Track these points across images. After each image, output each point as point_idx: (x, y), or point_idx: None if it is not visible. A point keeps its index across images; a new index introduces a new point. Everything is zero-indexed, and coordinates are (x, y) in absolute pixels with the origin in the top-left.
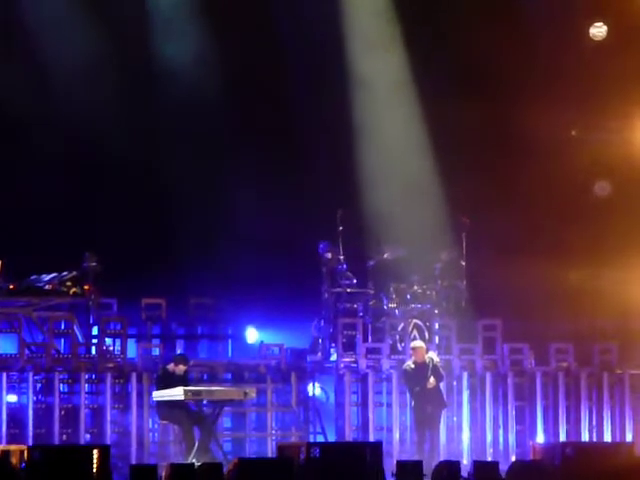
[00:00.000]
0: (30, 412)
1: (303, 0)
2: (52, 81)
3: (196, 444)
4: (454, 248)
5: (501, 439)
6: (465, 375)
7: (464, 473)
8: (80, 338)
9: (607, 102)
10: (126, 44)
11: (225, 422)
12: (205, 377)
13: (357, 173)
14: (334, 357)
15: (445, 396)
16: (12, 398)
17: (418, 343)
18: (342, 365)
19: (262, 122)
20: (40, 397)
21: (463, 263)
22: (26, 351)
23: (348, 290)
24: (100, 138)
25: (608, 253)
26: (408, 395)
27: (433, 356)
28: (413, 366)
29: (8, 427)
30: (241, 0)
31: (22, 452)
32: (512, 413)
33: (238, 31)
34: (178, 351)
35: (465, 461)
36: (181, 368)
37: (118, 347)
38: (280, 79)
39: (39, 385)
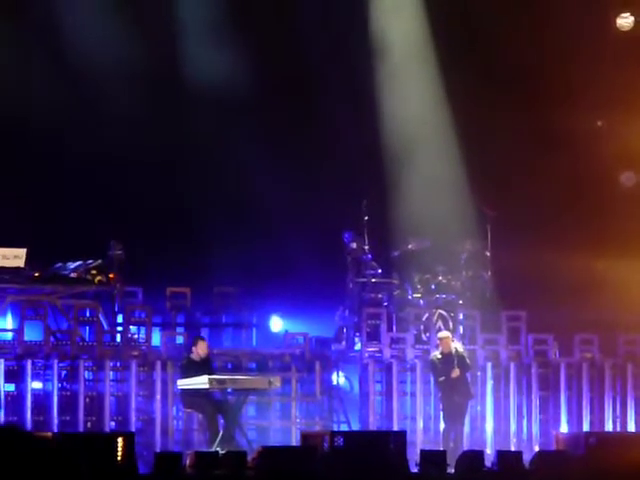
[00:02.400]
0: (55, 399)
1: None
2: (84, 85)
3: (220, 432)
4: (479, 239)
5: (525, 429)
6: (489, 365)
7: (488, 463)
8: (105, 326)
9: (633, 92)
10: (156, 54)
11: (249, 411)
12: (229, 366)
13: (383, 163)
14: (358, 346)
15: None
16: (37, 385)
17: (445, 333)
18: (366, 354)
19: (289, 113)
20: (65, 384)
21: (488, 254)
22: (51, 338)
23: (373, 280)
24: (127, 131)
25: (634, 244)
26: (433, 385)
27: (458, 346)
28: (440, 356)
29: (33, 414)
30: None
31: (47, 440)
32: (536, 403)
33: (268, 34)
34: None
35: (489, 451)
36: (202, 347)
37: (143, 335)
38: (309, 75)
39: (64, 372)
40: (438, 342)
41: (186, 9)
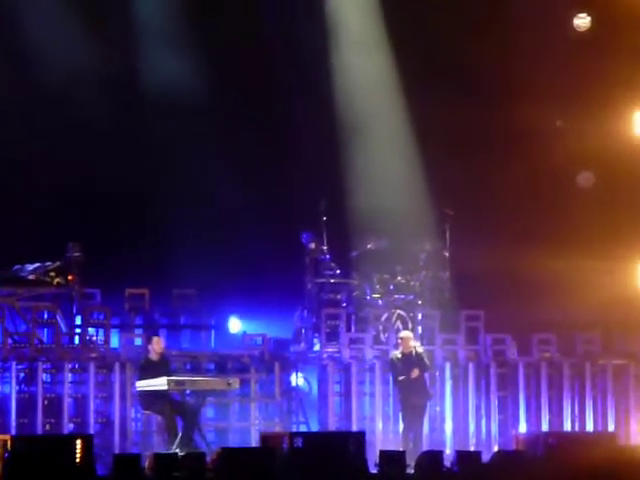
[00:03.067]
0: (13, 402)
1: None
2: (43, 88)
3: (179, 434)
4: (437, 239)
5: (484, 429)
6: (448, 365)
7: (447, 463)
8: (63, 328)
9: (591, 92)
10: (114, 56)
11: (208, 412)
12: (188, 367)
13: (341, 164)
14: (317, 347)
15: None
16: None
17: (406, 333)
18: (325, 355)
19: (247, 116)
20: (23, 387)
21: (446, 254)
22: (9, 341)
23: (331, 280)
24: (86, 134)
25: (591, 243)
26: (392, 385)
27: (417, 346)
28: (400, 356)
29: None
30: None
31: (5, 442)
32: (495, 403)
33: (224, 36)
34: None
35: (448, 451)
36: (158, 343)
37: (101, 337)
38: (265, 75)
39: (22, 375)
40: (399, 342)
41: (144, 13)
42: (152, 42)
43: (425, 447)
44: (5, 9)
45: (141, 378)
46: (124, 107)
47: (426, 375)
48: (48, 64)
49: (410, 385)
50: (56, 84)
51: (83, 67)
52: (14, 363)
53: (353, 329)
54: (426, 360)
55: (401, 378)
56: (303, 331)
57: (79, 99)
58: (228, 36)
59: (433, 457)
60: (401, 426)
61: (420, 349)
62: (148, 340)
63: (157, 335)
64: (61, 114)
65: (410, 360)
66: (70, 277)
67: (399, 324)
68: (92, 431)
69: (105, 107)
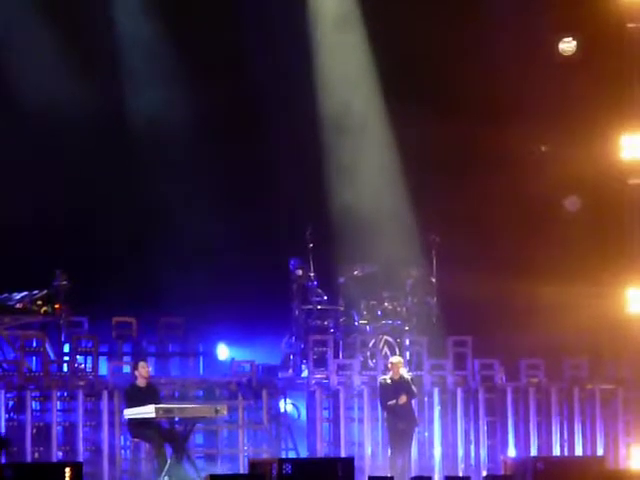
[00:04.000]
0: (2, 430)
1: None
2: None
3: (168, 461)
4: (424, 265)
5: (472, 454)
6: (436, 391)
7: None
8: (52, 356)
9: (577, 117)
10: (95, 83)
11: (197, 439)
12: (176, 394)
13: (327, 191)
14: (305, 373)
15: (417, 412)
16: None
17: (397, 359)
18: (313, 381)
19: (231, 145)
20: (12, 415)
21: (433, 280)
22: None
23: (319, 307)
24: (74, 162)
25: (578, 268)
26: (380, 410)
27: (404, 373)
28: (389, 381)
29: None
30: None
31: None
32: (483, 428)
33: (206, 60)
34: None
35: (437, 476)
36: (144, 368)
37: (90, 365)
38: (248, 103)
39: (11, 403)
40: (389, 366)
41: (126, 42)
42: (134, 73)
43: (414, 473)
44: None
45: (128, 405)
46: (109, 137)
47: (413, 401)
48: (32, 96)
49: (397, 411)
50: (37, 114)
51: (66, 97)
52: (3, 391)
53: (341, 355)
54: (413, 387)
55: (390, 403)
56: (291, 357)
57: (63, 128)
58: (211, 65)
59: None
60: (389, 451)
61: (408, 375)
62: (134, 366)
63: (142, 359)
64: (47, 143)
65: (399, 386)
66: (57, 305)
67: (387, 350)
68: (81, 459)
69: (91, 137)
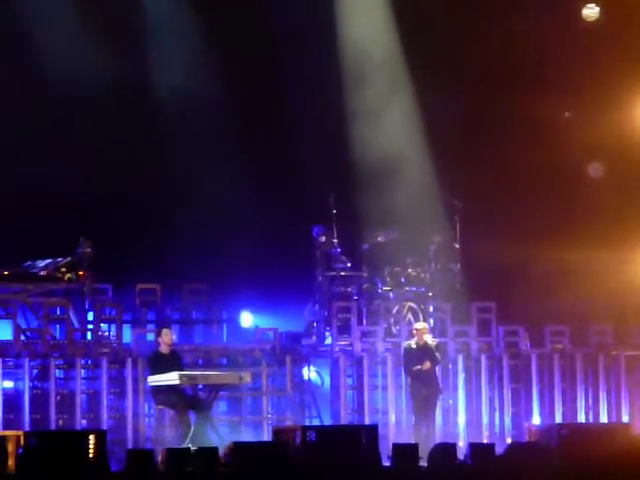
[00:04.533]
0: (26, 398)
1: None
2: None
3: (192, 428)
4: (448, 231)
5: (497, 421)
6: (460, 358)
7: (460, 455)
8: (75, 324)
9: (600, 83)
10: (119, 58)
11: (221, 406)
12: (200, 362)
13: (350, 157)
14: (329, 340)
15: (441, 379)
16: (8, 384)
17: (422, 324)
18: (337, 348)
19: (256, 112)
20: (36, 383)
21: (457, 246)
22: (22, 337)
23: (342, 273)
24: (96, 133)
25: (603, 234)
26: (404, 377)
27: (428, 339)
28: (414, 346)
29: (4, 413)
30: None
31: (18, 438)
32: (508, 395)
33: (229, 31)
34: None
35: (461, 443)
36: (167, 335)
37: (113, 332)
38: (272, 70)
39: (35, 371)
40: (414, 332)
41: (151, 13)
42: (160, 42)
43: (438, 440)
44: (15, 15)
45: (152, 372)
46: (133, 106)
47: (437, 369)
48: (58, 69)
49: (421, 377)
50: (65, 86)
51: (92, 69)
52: (27, 359)
53: (364, 322)
54: (437, 354)
55: (415, 368)
56: (315, 324)
57: (89, 100)
58: (235, 33)
59: (446, 450)
60: (413, 419)
61: (433, 342)
62: (158, 333)
63: (166, 326)
64: (73, 114)
65: (423, 352)
66: (81, 273)
67: (410, 317)
68: (105, 427)
69: (114, 106)
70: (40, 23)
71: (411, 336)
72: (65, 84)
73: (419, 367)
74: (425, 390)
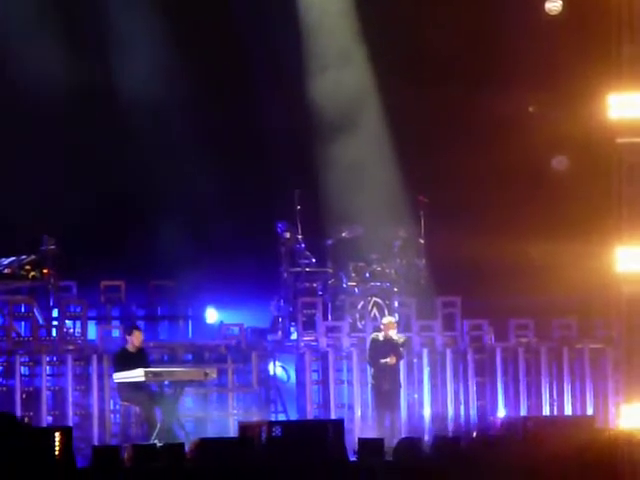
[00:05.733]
0: None
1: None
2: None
3: (158, 425)
4: (412, 226)
5: (462, 414)
6: (425, 352)
7: (426, 449)
8: (40, 321)
9: (564, 77)
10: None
11: (186, 402)
12: (165, 358)
13: (314, 153)
14: (294, 336)
15: (406, 372)
16: None
17: (390, 319)
18: (302, 344)
19: (221, 108)
20: (1, 380)
21: (422, 241)
22: None
23: (307, 269)
24: (60, 126)
25: (566, 228)
26: (369, 372)
27: (393, 335)
28: (381, 339)
29: None
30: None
31: None
32: (473, 389)
33: (197, 35)
34: None
35: (427, 437)
36: (138, 337)
37: (78, 329)
38: (238, 66)
39: (0, 368)
40: (382, 327)
41: (115, 16)
42: (124, 44)
43: (404, 434)
44: None
45: (118, 368)
46: (98, 105)
47: (401, 363)
48: (22, 72)
49: (385, 371)
50: (31, 90)
51: (57, 74)
52: None
53: (330, 317)
54: (401, 349)
55: (382, 361)
56: (280, 320)
57: (55, 101)
58: (200, 30)
59: (412, 444)
60: (374, 413)
61: (400, 338)
62: (128, 331)
63: (138, 328)
64: (38, 115)
65: (389, 346)
66: (45, 270)
67: (376, 312)
68: (71, 423)
69: (80, 105)
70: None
71: (379, 330)
72: (31, 86)
73: (386, 360)
74: (387, 385)
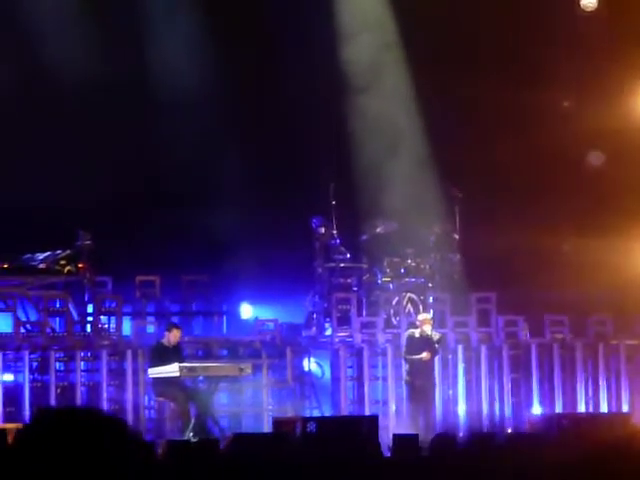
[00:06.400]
0: (26, 391)
1: None
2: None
3: (192, 420)
4: (447, 221)
5: (497, 411)
6: (460, 348)
7: (460, 445)
8: (75, 316)
9: (599, 72)
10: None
11: (221, 398)
12: (200, 353)
13: (350, 148)
14: (329, 332)
15: (441, 369)
16: (8, 377)
17: (424, 315)
18: (337, 340)
19: (256, 103)
20: (36, 375)
21: (456, 236)
22: (21, 330)
23: (342, 265)
24: (95, 125)
25: (603, 223)
26: (404, 367)
27: (427, 330)
28: (417, 335)
29: (4, 406)
30: None
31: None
32: (507, 385)
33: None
34: None
35: (462, 434)
36: (175, 335)
37: (113, 325)
38: (272, 60)
39: (35, 364)
40: (418, 323)
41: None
42: (157, 38)
43: (438, 430)
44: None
45: (153, 363)
46: (132, 100)
47: (436, 360)
48: (56, 65)
49: (419, 367)
50: (63, 80)
51: (91, 67)
52: (27, 352)
53: (364, 313)
54: (436, 345)
55: (418, 357)
56: (314, 316)
57: (86, 94)
58: (232, 25)
59: (447, 440)
60: (409, 408)
61: (435, 335)
62: (168, 327)
63: (178, 327)
64: (71, 109)
65: (424, 342)
66: (81, 265)
67: (410, 307)
68: None
69: (111, 102)
70: (38, 15)
71: (415, 326)
72: (62, 77)
73: (421, 356)
74: (419, 381)
